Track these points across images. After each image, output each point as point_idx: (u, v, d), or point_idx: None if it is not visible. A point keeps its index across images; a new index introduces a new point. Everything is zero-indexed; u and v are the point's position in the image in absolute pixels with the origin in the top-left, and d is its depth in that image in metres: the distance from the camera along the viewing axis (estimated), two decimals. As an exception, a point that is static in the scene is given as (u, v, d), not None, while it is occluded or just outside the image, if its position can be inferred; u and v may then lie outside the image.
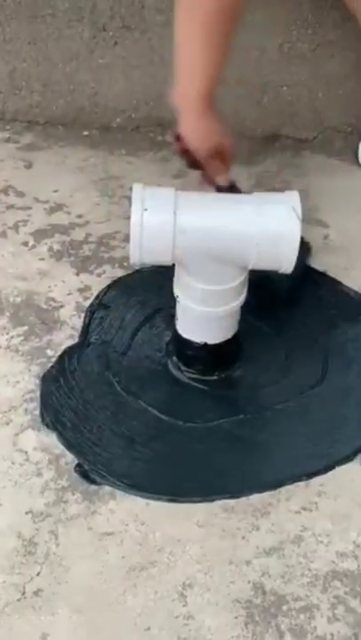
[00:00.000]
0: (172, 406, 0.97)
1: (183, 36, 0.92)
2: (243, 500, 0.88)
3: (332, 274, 1.15)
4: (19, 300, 1.11)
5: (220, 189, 1.00)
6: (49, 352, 1.04)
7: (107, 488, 0.89)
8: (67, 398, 0.98)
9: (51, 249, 1.20)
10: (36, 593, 0.81)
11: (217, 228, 0.85)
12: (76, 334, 1.06)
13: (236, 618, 0.79)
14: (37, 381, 1.00)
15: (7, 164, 1.35)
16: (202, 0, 0.89)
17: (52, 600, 0.80)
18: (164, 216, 0.84)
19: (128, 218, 0.85)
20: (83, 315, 1.09)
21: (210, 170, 1.00)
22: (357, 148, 1.35)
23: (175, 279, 0.93)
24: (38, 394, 0.99)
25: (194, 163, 1.01)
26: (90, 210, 1.26)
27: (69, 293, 1.13)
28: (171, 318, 1.00)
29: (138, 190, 0.86)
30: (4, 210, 1.26)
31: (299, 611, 0.80)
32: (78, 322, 1.08)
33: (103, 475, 0.90)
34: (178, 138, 1.00)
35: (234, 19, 0.92)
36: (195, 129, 0.95)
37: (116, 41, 1.35)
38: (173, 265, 0.90)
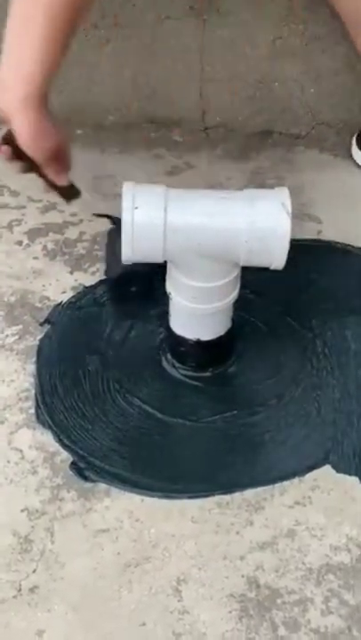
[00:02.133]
0: (165, 403, 0.98)
1: (20, 18, 0.81)
2: (237, 495, 0.89)
3: (325, 269, 1.16)
4: (13, 299, 1.12)
5: (59, 189, 0.98)
6: (43, 350, 1.05)
7: (102, 485, 0.90)
8: (62, 396, 0.98)
9: (45, 248, 1.20)
10: (31, 590, 0.81)
11: (207, 225, 0.85)
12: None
13: (230, 612, 0.80)
14: (32, 380, 1.01)
15: (1, 163, 1.35)
16: None
17: (47, 597, 0.81)
18: (155, 213, 0.84)
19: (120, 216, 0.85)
20: (77, 313, 1.09)
21: (49, 172, 0.95)
22: (350, 143, 1.35)
23: (167, 276, 0.94)
24: (33, 392, 0.99)
25: (29, 166, 0.95)
26: (83, 208, 1.26)
27: (64, 292, 1.13)
28: (164, 315, 1.01)
29: (128, 188, 0.86)
30: (-3, 209, 1.26)
31: (293, 604, 0.80)
32: (72, 320, 1.08)
33: (98, 472, 0.90)
34: (7, 140, 0.93)
35: (82, 8, 0.82)
36: (31, 130, 0.87)
37: (108, 39, 1.35)
38: (165, 262, 0.91)
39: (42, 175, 1.00)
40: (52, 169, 0.95)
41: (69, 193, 1.01)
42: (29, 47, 0.82)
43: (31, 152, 0.91)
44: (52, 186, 1.00)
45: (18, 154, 0.94)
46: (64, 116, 1.42)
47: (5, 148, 0.94)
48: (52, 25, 0.81)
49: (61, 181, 0.96)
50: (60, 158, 0.95)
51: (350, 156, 1.35)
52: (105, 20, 1.33)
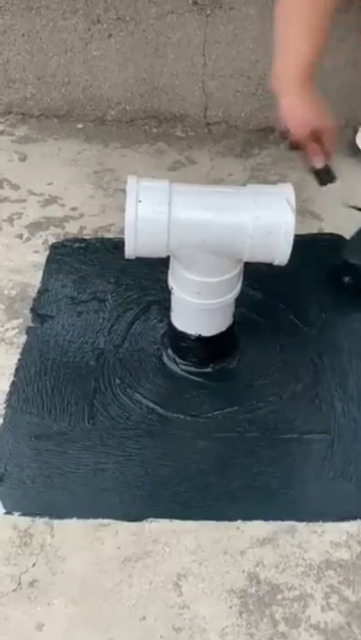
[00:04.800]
0: (166, 398, 0.98)
1: (284, 21, 0.94)
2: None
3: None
4: (13, 292, 1.11)
5: (316, 171, 0.99)
6: (44, 344, 1.04)
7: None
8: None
9: (45, 242, 1.19)
10: (31, 583, 0.81)
11: (211, 220, 0.85)
12: (71, 327, 1.07)
13: (230, 607, 0.80)
14: (32, 374, 1.01)
15: (1, 156, 1.35)
16: None
17: (47, 590, 0.81)
18: (159, 208, 0.84)
19: (123, 210, 0.85)
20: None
21: (308, 151, 0.98)
22: (352, 140, 1.34)
23: (170, 271, 0.93)
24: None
25: (295, 143, 0.99)
26: (84, 202, 1.26)
27: (64, 286, 1.12)
28: (166, 311, 1.01)
29: (132, 182, 0.86)
30: (-2, 202, 1.26)
31: (293, 600, 0.80)
32: (73, 314, 1.08)
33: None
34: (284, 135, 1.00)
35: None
36: (295, 110, 0.95)
37: (111, 33, 1.34)
38: (168, 257, 0.91)
39: (303, 153, 1.00)
40: (310, 149, 0.98)
41: (325, 177, 1.00)
42: (296, 38, 0.94)
43: (294, 128, 0.96)
44: (312, 168, 1.00)
45: (287, 132, 0.98)
46: (66, 109, 1.42)
47: (282, 128, 0.99)
48: (313, 14, 0.93)
49: (317, 163, 0.98)
50: (323, 141, 0.98)
51: (352, 153, 1.34)
52: (108, 15, 1.32)
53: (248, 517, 0.86)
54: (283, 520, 0.86)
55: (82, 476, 0.89)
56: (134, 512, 0.87)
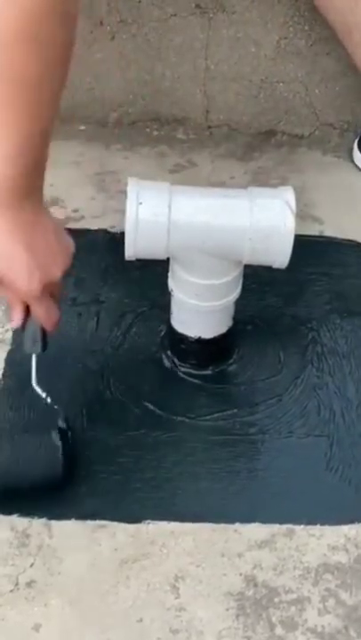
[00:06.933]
0: (165, 400, 0.98)
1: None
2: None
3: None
4: (14, 293, 1.12)
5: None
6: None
7: (100, 481, 0.90)
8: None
9: (46, 243, 1.19)
10: (28, 584, 0.81)
11: (211, 222, 0.85)
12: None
13: (227, 610, 0.80)
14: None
15: None
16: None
17: (44, 591, 0.81)
18: (159, 210, 0.84)
19: (124, 212, 0.85)
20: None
21: (39, 312, 0.68)
22: (352, 145, 1.35)
23: (170, 273, 0.94)
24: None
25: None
26: (86, 204, 1.26)
27: (64, 288, 1.13)
28: (165, 313, 1.01)
29: (133, 184, 0.86)
30: (-1, 204, 1.26)
31: (290, 603, 0.80)
32: (73, 316, 1.08)
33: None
34: None
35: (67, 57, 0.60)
36: (10, 251, 0.61)
37: (114, 35, 1.35)
38: (168, 259, 0.91)
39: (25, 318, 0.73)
40: (42, 308, 0.68)
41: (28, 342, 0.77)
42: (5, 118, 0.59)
43: (15, 285, 0.62)
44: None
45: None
46: (68, 111, 1.42)
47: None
48: (13, 87, 0.59)
49: (53, 325, 0.71)
50: (53, 291, 0.69)
51: (353, 157, 1.35)
52: (110, 17, 1.33)
53: (246, 520, 0.86)
54: (281, 524, 0.86)
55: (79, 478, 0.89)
56: (132, 514, 0.86)
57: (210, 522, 0.86)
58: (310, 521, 0.86)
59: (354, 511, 0.88)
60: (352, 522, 0.87)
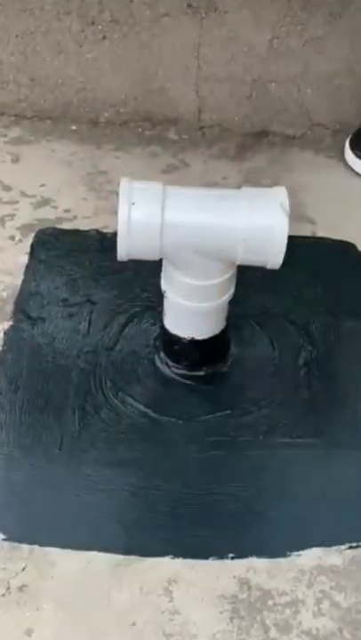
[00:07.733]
0: (158, 402, 0.97)
1: None
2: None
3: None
4: (5, 294, 1.11)
5: None
6: (35, 347, 1.03)
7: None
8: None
9: (38, 243, 1.19)
10: (20, 588, 0.80)
11: (204, 223, 0.85)
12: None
13: (221, 613, 0.79)
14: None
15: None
16: None
17: (37, 595, 0.80)
18: (152, 210, 0.84)
19: (116, 213, 0.84)
20: (70, 309, 1.08)
21: None
22: (345, 145, 1.35)
23: (163, 274, 0.93)
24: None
25: None
26: (77, 205, 1.25)
27: (56, 288, 1.12)
28: (158, 313, 1.00)
29: (125, 184, 0.85)
30: (-10, 204, 1.25)
31: (284, 605, 0.80)
32: (65, 317, 1.07)
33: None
34: None
35: None
36: None
37: (105, 35, 1.34)
38: (161, 260, 0.90)
39: None
40: None
41: None
42: None
43: None
44: None
45: None
46: (59, 111, 1.42)
47: None
48: None
49: None
50: None
51: (345, 158, 1.35)
52: (103, 16, 1.32)
53: (241, 521, 0.86)
54: (273, 523, 0.86)
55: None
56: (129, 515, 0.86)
57: (204, 524, 0.86)
58: (306, 522, 0.86)
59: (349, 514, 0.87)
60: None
